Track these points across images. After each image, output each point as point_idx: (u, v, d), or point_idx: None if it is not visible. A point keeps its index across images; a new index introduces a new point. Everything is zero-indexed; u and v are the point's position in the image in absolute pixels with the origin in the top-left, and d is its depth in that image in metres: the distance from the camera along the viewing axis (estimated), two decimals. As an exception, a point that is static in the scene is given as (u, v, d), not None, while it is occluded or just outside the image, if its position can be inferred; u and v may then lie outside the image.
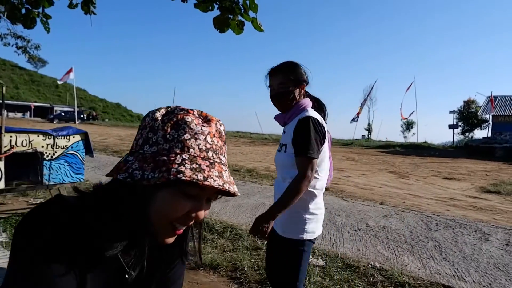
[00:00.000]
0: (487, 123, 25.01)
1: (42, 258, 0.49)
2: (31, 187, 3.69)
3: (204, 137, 0.55)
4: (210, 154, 0.55)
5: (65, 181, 3.75)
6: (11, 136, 3.31)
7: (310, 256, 2.94)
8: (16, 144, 3.34)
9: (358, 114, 23.41)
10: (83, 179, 3.96)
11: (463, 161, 12.88)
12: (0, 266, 2.40)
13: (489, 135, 20.86)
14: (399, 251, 3.31)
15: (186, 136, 0.54)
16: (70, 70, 19.30)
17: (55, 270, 0.49)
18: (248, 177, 7.18)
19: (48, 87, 58.10)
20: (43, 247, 0.49)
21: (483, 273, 2.86)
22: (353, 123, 23.53)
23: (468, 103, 28.40)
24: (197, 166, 0.52)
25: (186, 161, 0.52)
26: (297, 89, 1.51)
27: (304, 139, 1.41)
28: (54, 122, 31.20)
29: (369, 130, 34.04)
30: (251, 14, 2.15)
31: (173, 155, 0.52)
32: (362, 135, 32.36)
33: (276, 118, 1.60)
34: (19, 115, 42.65)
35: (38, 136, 3.51)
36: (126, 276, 0.58)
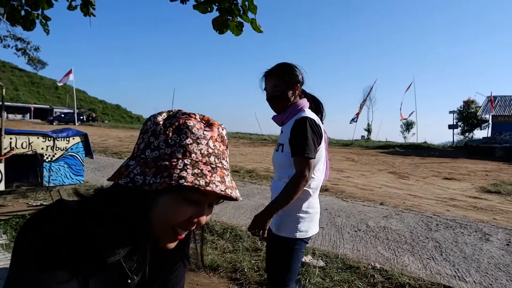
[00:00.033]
0: (487, 123, 25.03)
1: (44, 265, 0.48)
2: (31, 189, 3.69)
3: (206, 142, 0.55)
4: (212, 159, 0.55)
5: (65, 182, 3.74)
6: (11, 138, 3.31)
7: (310, 257, 2.94)
8: (16, 146, 3.34)
9: (357, 114, 23.41)
10: (83, 180, 3.96)
11: (463, 161, 12.88)
12: (1, 268, 2.40)
13: (489, 135, 20.87)
14: (400, 252, 3.30)
15: (188, 140, 0.54)
16: (70, 72, 19.30)
17: (58, 277, 0.49)
18: (248, 178, 7.18)
19: (47, 89, 58.13)
20: (45, 253, 0.49)
21: (484, 274, 2.86)
22: (353, 124, 23.53)
23: (467, 103, 28.42)
24: (199, 171, 0.52)
25: (188, 166, 0.51)
26: (292, 91, 1.52)
27: (301, 139, 1.42)
28: (54, 123, 31.23)
29: (368, 130, 34.06)
30: (250, 15, 2.16)
31: (175, 160, 0.52)
32: (362, 136, 32.38)
33: (274, 118, 1.62)
34: (19, 116, 42.67)
35: (38, 138, 3.51)
36: (129, 281, 0.58)
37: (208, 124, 0.58)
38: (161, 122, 0.56)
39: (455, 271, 2.90)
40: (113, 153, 10.79)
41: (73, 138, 3.79)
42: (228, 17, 2.19)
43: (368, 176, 8.49)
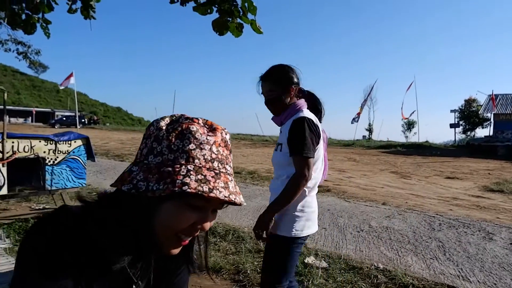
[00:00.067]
0: (488, 122, 24.94)
1: (48, 269, 0.48)
2: (34, 192, 3.70)
3: (209, 147, 0.55)
4: (215, 164, 0.54)
5: (67, 186, 3.75)
6: (13, 142, 3.32)
7: (313, 258, 2.93)
8: (18, 150, 3.35)
9: (358, 114, 23.38)
10: (85, 183, 3.97)
11: (465, 160, 12.83)
12: (4, 272, 2.40)
13: (491, 133, 20.78)
14: (403, 252, 3.29)
15: (191, 146, 0.53)
16: (71, 75, 19.37)
17: (61, 281, 0.48)
18: (250, 179, 7.18)
19: (49, 92, 58.39)
20: (48, 258, 0.49)
21: (488, 273, 2.84)
22: (354, 124, 23.51)
23: (469, 102, 28.34)
24: (203, 177, 0.51)
25: (191, 172, 0.51)
26: (287, 93, 1.54)
27: (299, 139, 1.44)
28: (56, 127, 31.32)
29: (370, 130, 34.00)
30: (250, 16, 2.16)
31: (178, 166, 0.52)
32: (363, 136, 32.34)
33: (273, 119, 1.64)
34: (21, 120, 42.84)
35: (39, 141, 3.52)
36: (133, 286, 0.57)
37: (211, 129, 0.58)
38: (163, 127, 0.55)
39: (459, 271, 2.88)
40: (115, 156, 10.81)
41: (75, 141, 3.80)
42: (228, 18, 2.19)
43: (370, 176, 8.46)
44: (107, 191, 0.58)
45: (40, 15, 2.45)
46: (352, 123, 23.36)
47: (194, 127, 0.55)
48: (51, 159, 3.60)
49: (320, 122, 1.60)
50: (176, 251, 0.57)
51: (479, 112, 24.66)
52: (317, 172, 1.56)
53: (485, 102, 22.35)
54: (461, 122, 27.29)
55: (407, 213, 4.66)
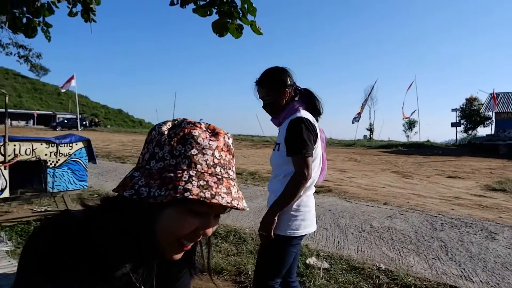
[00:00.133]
0: (490, 120, 24.86)
1: (50, 273, 0.48)
2: (36, 195, 3.71)
3: (211, 152, 0.54)
4: (218, 169, 0.54)
5: (68, 188, 3.76)
6: (14, 145, 3.33)
7: (315, 259, 2.93)
8: (19, 152, 3.37)
9: (359, 114, 23.36)
10: (86, 186, 3.98)
11: (467, 159, 12.79)
12: (6, 274, 2.41)
13: (493, 132, 20.72)
14: (405, 252, 3.28)
15: (193, 151, 0.53)
16: (72, 78, 19.42)
17: (63, 285, 0.48)
18: (251, 180, 7.18)
19: (50, 95, 58.62)
20: (50, 261, 0.49)
21: (490, 273, 2.83)
22: (355, 124, 23.49)
23: (470, 101, 28.26)
24: (205, 183, 0.51)
25: (193, 178, 0.51)
26: (282, 96, 1.57)
27: (297, 139, 1.46)
28: (57, 129, 31.43)
29: (371, 130, 33.95)
30: (250, 17, 2.16)
31: (180, 171, 0.51)
32: (364, 135, 32.28)
33: (272, 120, 1.68)
34: (23, 123, 42.99)
35: (41, 144, 3.53)
36: None
37: (214, 134, 0.57)
38: (165, 132, 0.55)
39: (461, 271, 2.87)
40: (116, 158, 10.83)
41: (76, 144, 3.81)
42: (228, 20, 2.20)
43: (371, 176, 8.45)
44: (109, 195, 0.59)
45: (41, 19, 2.46)
46: (353, 123, 23.35)
47: (196, 132, 0.55)
48: (53, 161, 3.61)
49: (319, 119, 1.62)
50: (178, 256, 0.57)
51: (481, 111, 24.60)
52: (314, 171, 1.57)
53: (486, 100, 22.30)
54: (462, 121, 27.20)
55: (408, 213, 4.65)
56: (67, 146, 3.73)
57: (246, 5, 2.13)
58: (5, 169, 3.25)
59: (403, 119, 27.57)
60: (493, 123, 21.85)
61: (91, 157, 3.97)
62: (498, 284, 2.65)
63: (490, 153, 14.50)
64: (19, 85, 56.70)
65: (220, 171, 0.54)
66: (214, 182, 0.52)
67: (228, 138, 0.58)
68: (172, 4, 2.20)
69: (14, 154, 3.32)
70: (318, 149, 1.56)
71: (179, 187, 0.49)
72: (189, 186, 0.50)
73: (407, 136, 33.54)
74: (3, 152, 3.23)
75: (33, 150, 3.46)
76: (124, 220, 0.54)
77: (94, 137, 16.56)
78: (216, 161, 0.54)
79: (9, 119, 3.58)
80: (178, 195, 0.49)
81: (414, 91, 27.85)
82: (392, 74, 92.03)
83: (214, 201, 0.50)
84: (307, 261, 2.86)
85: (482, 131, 27.76)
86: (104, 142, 17.14)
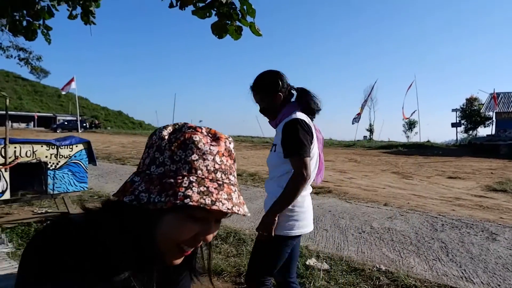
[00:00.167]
0: (490, 121, 24.83)
1: (50, 274, 0.49)
2: (36, 196, 3.71)
3: (212, 157, 0.54)
4: (218, 175, 0.54)
5: (69, 190, 3.76)
6: (15, 147, 3.34)
7: (315, 260, 2.93)
8: (20, 154, 3.37)
9: (359, 114, 23.35)
10: (86, 187, 3.98)
11: (467, 159, 12.78)
12: (6, 276, 2.41)
13: (493, 132, 20.70)
14: (405, 253, 3.27)
15: (194, 156, 0.52)
16: (72, 80, 19.44)
17: (63, 286, 0.49)
18: (251, 181, 7.17)
19: (50, 97, 58.74)
20: (50, 263, 0.49)
21: (491, 274, 2.82)
22: (355, 124, 23.47)
23: (470, 101, 28.24)
24: (205, 189, 0.51)
25: (194, 184, 0.50)
26: (276, 99, 1.59)
27: (293, 140, 1.47)
28: (58, 131, 31.48)
29: (370, 130, 33.93)
30: (249, 19, 2.17)
31: (180, 177, 0.51)
32: (364, 136, 32.25)
33: (270, 123, 1.70)
34: (23, 125, 43.07)
35: (41, 146, 3.54)
36: None
37: (215, 138, 0.57)
38: (166, 137, 0.55)
39: (462, 272, 2.86)
40: (116, 159, 10.84)
41: (76, 146, 3.82)
42: (227, 21, 2.20)
43: (371, 176, 8.44)
44: (110, 199, 0.58)
45: (41, 22, 2.47)
46: (352, 123, 23.33)
47: (197, 137, 0.54)
48: (53, 163, 3.62)
49: (313, 119, 1.62)
50: (178, 261, 0.57)
51: (481, 111, 24.58)
52: (311, 170, 1.57)
53: (486, 100, 22.28)
54: (462, 121, 27.16)
55: (409, 214, 4.64)
56: (67, 148, 3.74)
57: (245, 7, 2.13)
58: (5, 171, 3.26)
59: (403, 120, 27.53)
60: (494, 123, 21.83)
61: (91, 159, 3.97)
62: (499, 285, 2.64)
63: (490, 154, 14.47)
64: (19, 87, 56.84)
65: (221, 177, 0.54)
66: (215, 188, 0.52)
67: (230, 143, 0.58)
68: (171, 6, 2.20)
69: (15, 156, 3.33)
70: (315, 149, 1.58)
71: (179, 193, 0.49)
72: (189, 192, 0.49)
73: (407, 137, 33.57)
74: (3, 154, 3.24)
75: (33, 152, 3.47)
76: (124, 225, 0.53)
77: (94, 139, 16.59)
78: (217, 166, 0.54)
79: (9, 122, 3.59)
80: (178, 201, 0.48)
81: (414, 91, 27.81)
82: (392, 74, 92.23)
83: (214, 207, 0.50)
84: (307, 262, 2.86)
85: (483, 131, 27.77)
86: (104, 144, 17.16)
